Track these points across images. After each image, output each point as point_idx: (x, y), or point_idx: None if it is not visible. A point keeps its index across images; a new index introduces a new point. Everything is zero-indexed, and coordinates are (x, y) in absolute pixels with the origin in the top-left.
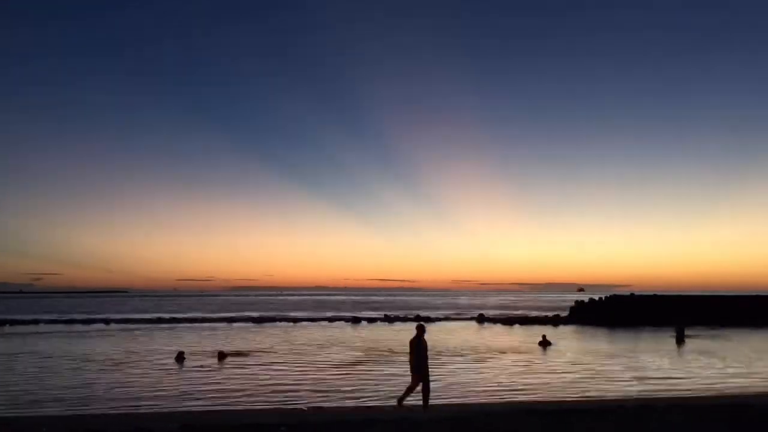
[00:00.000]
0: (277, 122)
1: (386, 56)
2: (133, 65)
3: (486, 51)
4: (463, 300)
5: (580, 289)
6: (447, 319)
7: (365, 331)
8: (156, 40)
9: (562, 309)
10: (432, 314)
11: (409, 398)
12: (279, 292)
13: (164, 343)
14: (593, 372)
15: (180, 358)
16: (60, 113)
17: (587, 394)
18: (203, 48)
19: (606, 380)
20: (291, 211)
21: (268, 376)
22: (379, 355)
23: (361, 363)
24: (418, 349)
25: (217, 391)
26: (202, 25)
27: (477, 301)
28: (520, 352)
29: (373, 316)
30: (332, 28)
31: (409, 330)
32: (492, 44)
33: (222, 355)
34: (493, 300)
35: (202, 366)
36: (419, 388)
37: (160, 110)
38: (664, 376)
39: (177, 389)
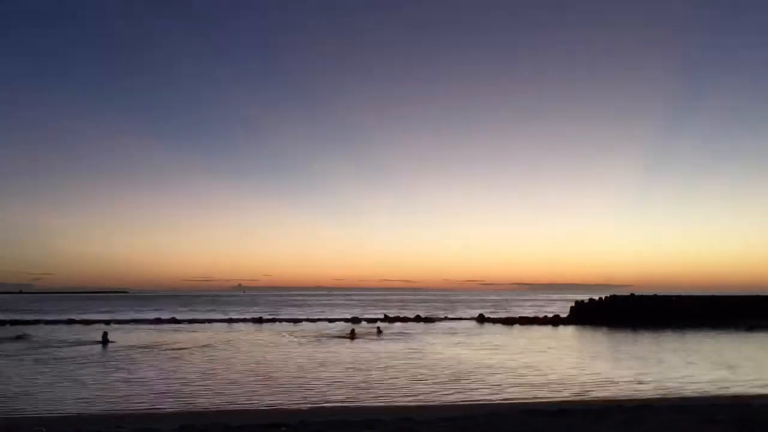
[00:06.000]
0: (270, 130)
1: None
2: (127, 64)
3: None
4: (464, 299)
5: None
6: (447, 319)
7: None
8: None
9: (563, 309)
10: (432, 314)
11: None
12: (242, 293)
13: None
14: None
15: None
16: (58, 114)
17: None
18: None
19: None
20: (289, 212)
21: None
22: None
23: None
24: None
25: None
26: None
27: (477, 300)
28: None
29: (372, 316)
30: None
31: None
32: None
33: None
34: (493, 299)
35: None
36: None
37: (159, 112)
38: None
39: None
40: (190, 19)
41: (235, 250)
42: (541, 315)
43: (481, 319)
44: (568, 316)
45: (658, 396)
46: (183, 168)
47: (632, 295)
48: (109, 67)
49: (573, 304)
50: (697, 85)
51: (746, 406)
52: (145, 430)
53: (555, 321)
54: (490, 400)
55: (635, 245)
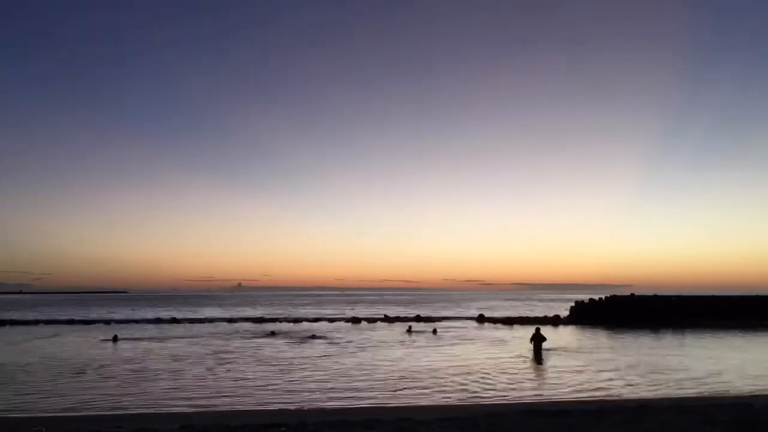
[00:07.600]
0: (270, 131)
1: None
2: (129, 68)
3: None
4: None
5: None
6: (447, 318)
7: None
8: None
9: (563, 309)
10: (433, 314)
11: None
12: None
13: None
14: None
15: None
16: (57, 115)
17: None
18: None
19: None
20: (289, 213)
21: None
22: None
23: None
24: None
25: None
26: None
27: (478, 301)
28: None
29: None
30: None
31: None
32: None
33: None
34: (494, 299)
35: None
36: None
37: (158, 115)
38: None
39: None
40: (187, 23)
41: (235, 250)
42: (541, 315)
43: (481, 319)
44: (568, 316)
45: (658, 396)
46: (183, 169)
47: (632, 295)
48: (110, 69)
49: (573, 304)
50: (698, 85)
51: (747, 406)
52: (145, 430)
53: (555, 321)
54: (491, 400)
55: (635, 245)
